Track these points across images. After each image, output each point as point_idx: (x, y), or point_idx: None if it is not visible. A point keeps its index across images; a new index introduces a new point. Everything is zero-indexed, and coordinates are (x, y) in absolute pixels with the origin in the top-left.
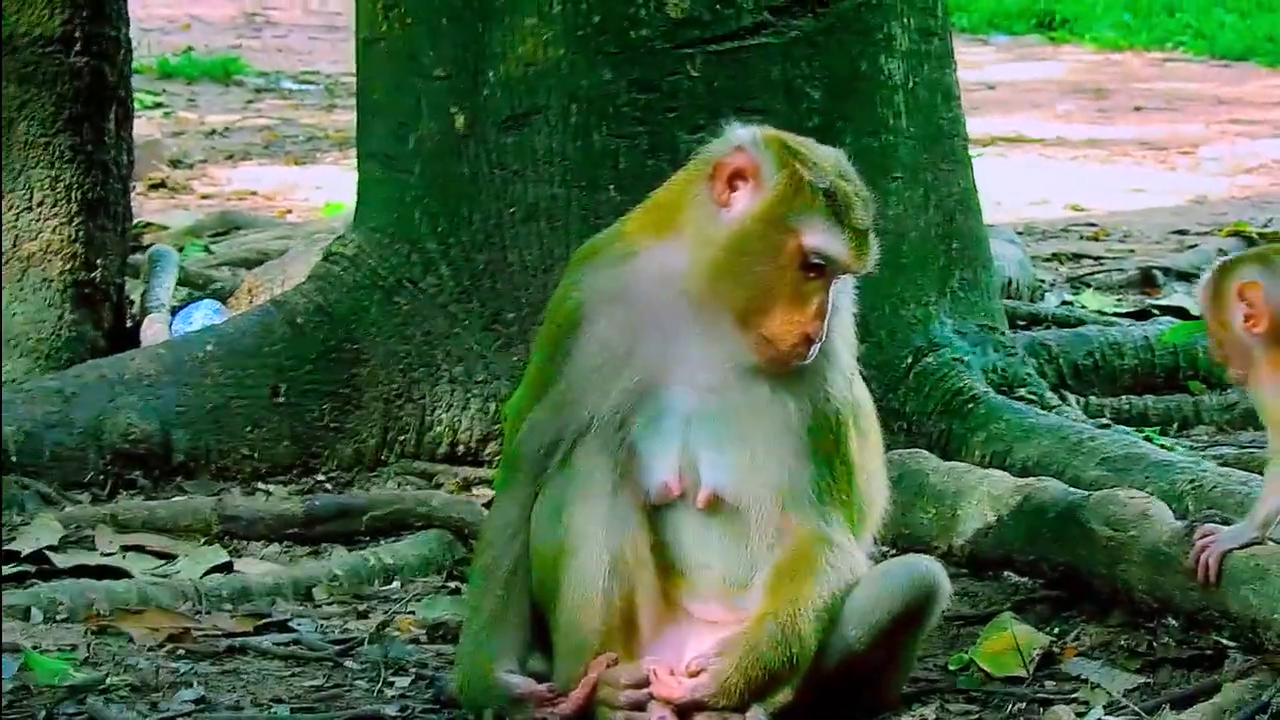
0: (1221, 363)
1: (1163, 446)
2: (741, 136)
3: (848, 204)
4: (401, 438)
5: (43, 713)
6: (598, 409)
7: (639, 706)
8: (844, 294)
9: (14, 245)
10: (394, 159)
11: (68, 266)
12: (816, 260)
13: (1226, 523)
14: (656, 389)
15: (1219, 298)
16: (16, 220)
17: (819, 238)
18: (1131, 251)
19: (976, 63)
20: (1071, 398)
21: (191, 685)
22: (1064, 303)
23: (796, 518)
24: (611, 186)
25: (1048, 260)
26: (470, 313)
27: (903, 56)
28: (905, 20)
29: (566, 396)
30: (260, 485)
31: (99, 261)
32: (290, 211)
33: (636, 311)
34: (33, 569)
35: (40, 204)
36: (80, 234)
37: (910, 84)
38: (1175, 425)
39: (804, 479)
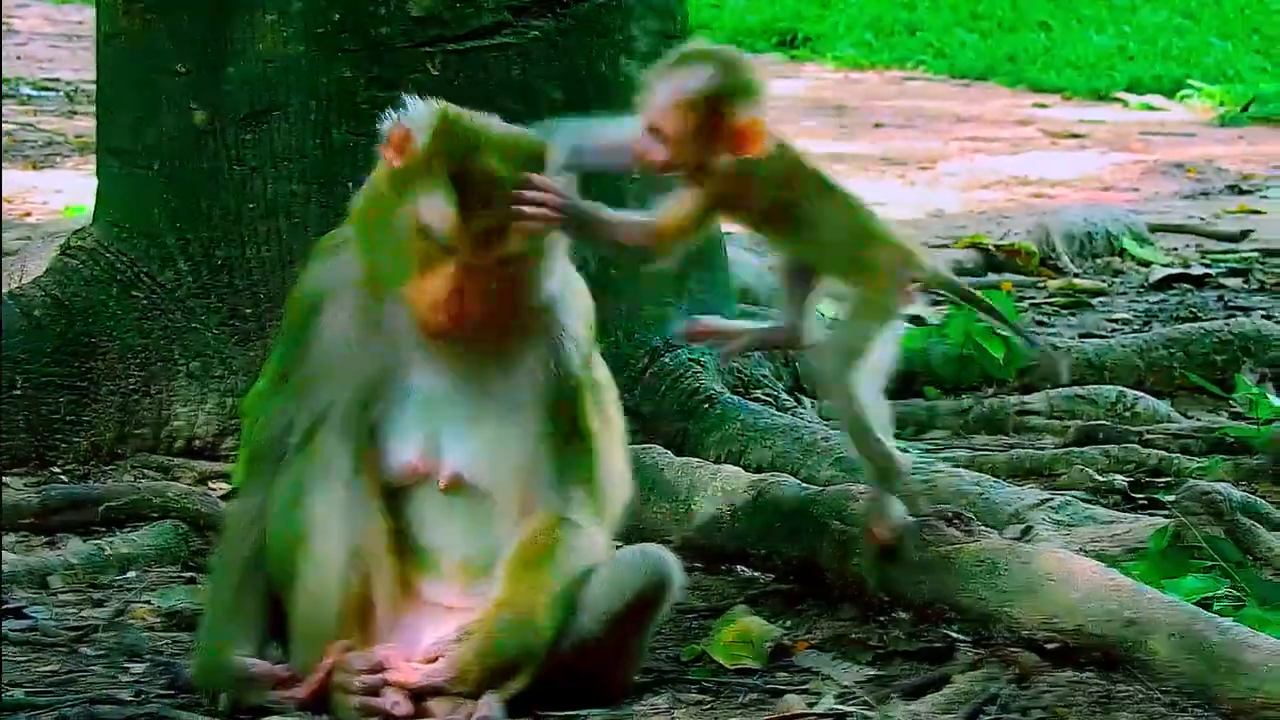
0: (662, 168)
1: (898, 448)
2: (412, 108)
3: (476, 187)
4: (138, 431)
5: None
6: (337, 396)
7: (374, 691)
8: (573, 273)
9: None
10: (134, 154)
11: None
12: (434, 234)
13: (958, 519)
14: (397, 372)
15: (706, 124)
16: None
17: (430, 204)
18: None
19: None
20: (807, 400)
21: None
22: None
23: (538, 498)
24: (350, 183)
25: None
26: (208, 308)
27: (642, 58)
28: (644, 23)
29: (305, 386)
30: None
31: None
32: (29, 214)
33: (375, 298)
34: None
35: None
36: None
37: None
38: (910, 429)
39: (544, 459)
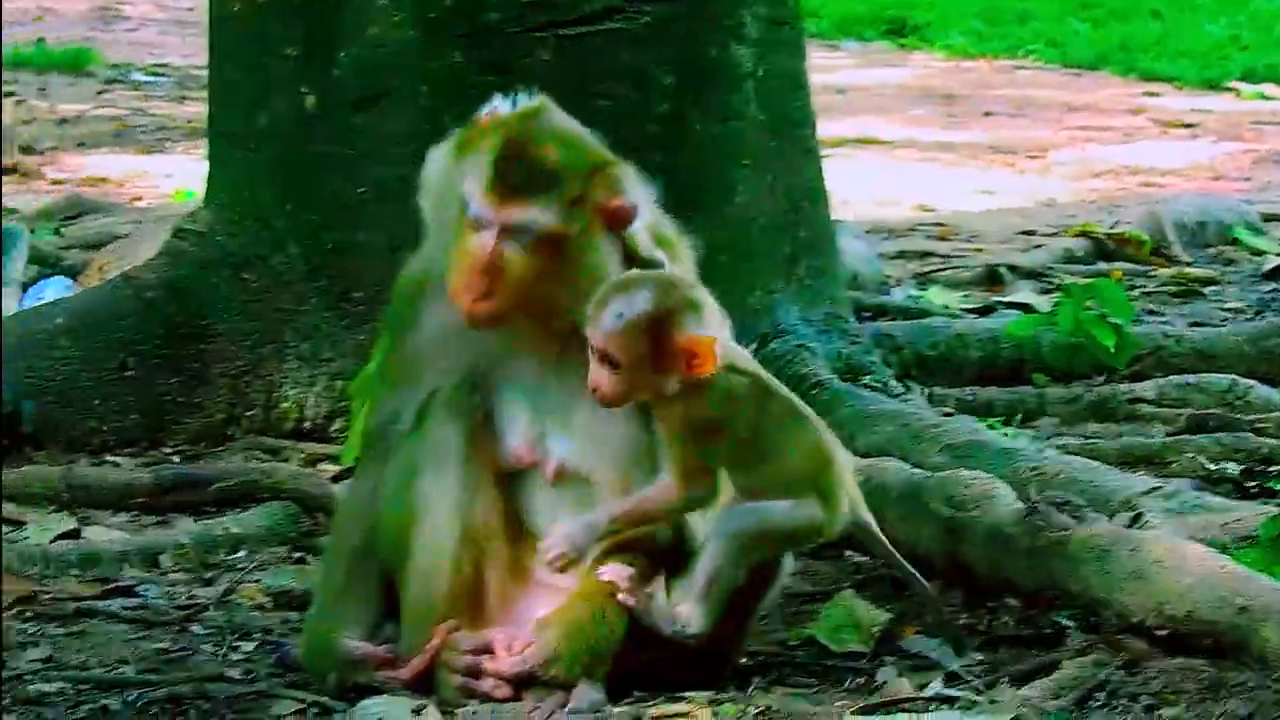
0: (615, 402)
1: (1006, 435)
2: (509, 100)
3: (501, 162)
4: (248, 413)
5: None
6: (446, 380)
7: (475, 673)
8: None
9: None
10: (244, 138)
11: None
12: (469, 210)
13: (1068, 505)
14: (504, 360)
15: (656, 345)
16: None
17: (469, 183)
18: (978, 250)
19: (827, 67)
20: (916, 387)
21: (39, 645)
22: (910, 297)
23: (642, 483)
24: None
25: (894, 257)
26: (318, 291)
27: (753, 44)
28: (755, 9)
29: (414, 371)
30: (109, 457)
31: None
32: (140, 198)
33: None
34: None
35: None
36: None
37: (760, 72)
38: (1019, 416)
39: (647, 449)
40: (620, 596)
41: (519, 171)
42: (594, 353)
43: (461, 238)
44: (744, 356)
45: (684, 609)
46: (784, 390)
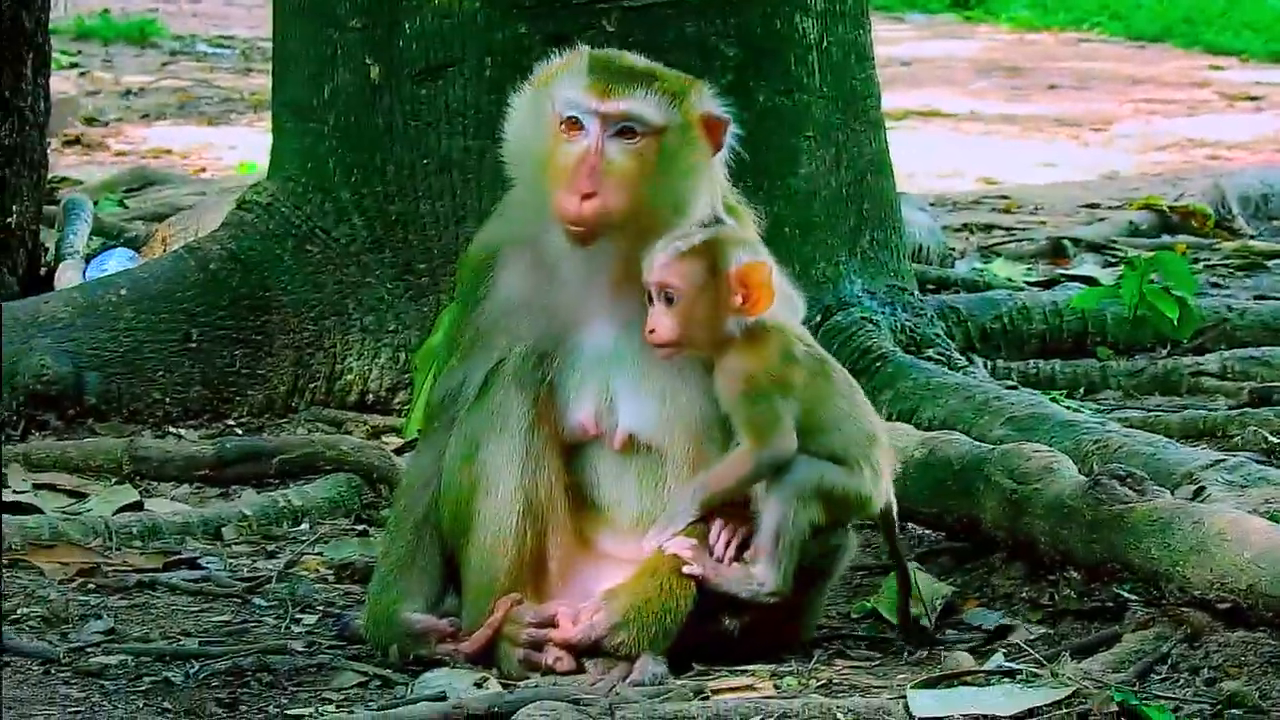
0: (673, 344)
1: (1069, 408)
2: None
3: (596, 60)
4: (312, 385)
5: None
6: (512, 350)
7: (538, 646)
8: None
9: None
10: (309, 109)
11: None
12: (567, 113)
13: (1130, 478)
14: (572, 330)
15: (713, 271)
16: None
17: (563, 89)
18: (1042, 223)
19: (892, 39)
20: (979, 360)
21: (101, 618)
22: (974, 270)
23: (711, 454)
24: None
25: (958, 230)
26: (382, 262)
27: (817, 16)
28: None
29: (479, 343)
30: (171, 429)
31: (14, 207)
32: (204, 170)
33: (549, 254)
34: None
35: None
36: None
37: (824, 43)
38: (1082, 389)
39: (716, 420)
40: (687, 569)
41: (617, 67)
42: (652, 295)
43: (557, 153)
44: (804, 332)
45: (757, 569)
46: (839, 366)
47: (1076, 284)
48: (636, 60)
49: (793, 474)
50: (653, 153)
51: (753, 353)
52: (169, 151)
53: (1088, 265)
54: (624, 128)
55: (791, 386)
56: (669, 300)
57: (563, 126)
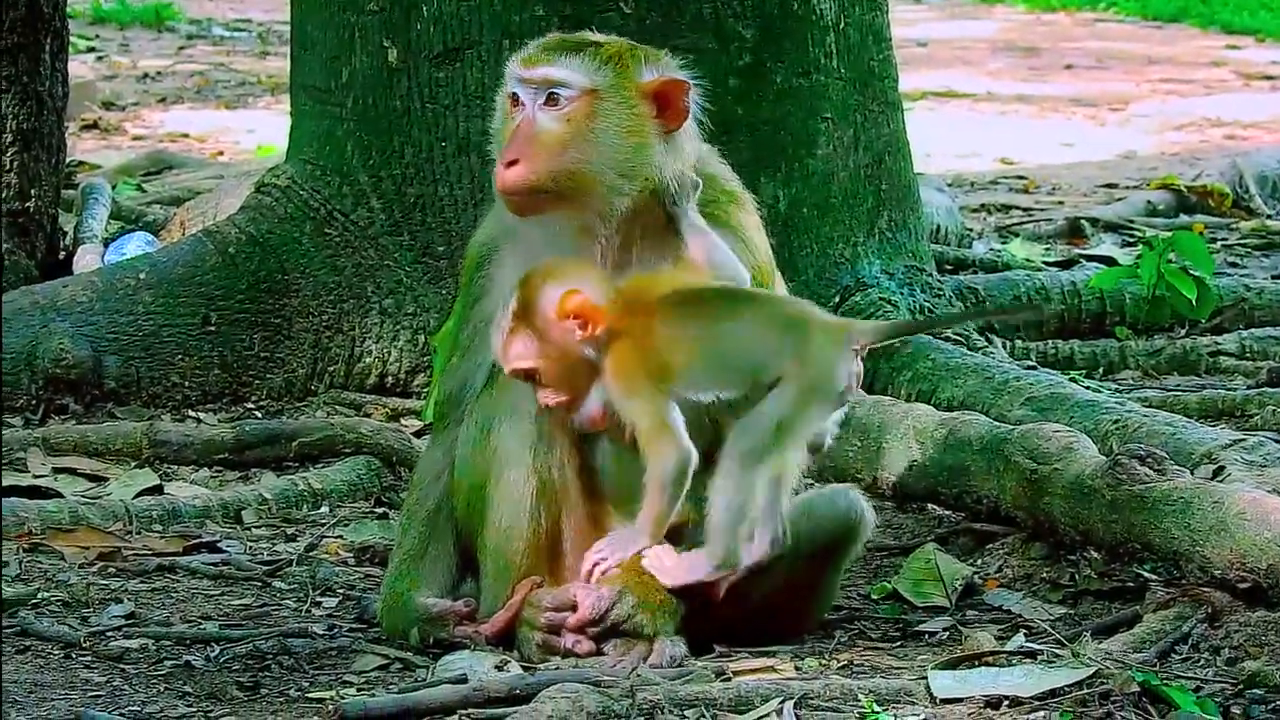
0: (562, 401)
1: (1088, 388)
2: None
3: (544, 38)
4: (331, 368)
5: None
6: None
7: (557, 629)
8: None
9: None
10: (327, 92)
11: (1, 196)
12: (509, 89)
13: (1150, 458)
14: None
15: (541, 324)
16: None
17: (509, 69)
18: (1060, 203)
19: (909, 20)
20: (998, 341)
21: (121, 601)
22: (992, 250)
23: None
24: None
25: (976, 210)
26: (400, 245)
27: None
28: None
29: (480, 335)
30: (190, 412)
31: (33, 191)
32: (222, 153)
33: (534, 243)
34: None
35: None
36: (15, 164)
37: (841, 24)
38: (1101, 369)
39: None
40: (665, 583)
41: (554, 41)
42: (522, 377)
43: (504, 130)
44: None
45: (705, 550)
46: (717, 284)
47: (1095, 264)
48: (590, 35)
49: (737, 444)
50: (582, 117)
51: (613, 361)
52: (186, 135)
53: (1106, 245)
54: (550, 95)
55: (666, 367)
56: (534, 379)
57: (509, 104)
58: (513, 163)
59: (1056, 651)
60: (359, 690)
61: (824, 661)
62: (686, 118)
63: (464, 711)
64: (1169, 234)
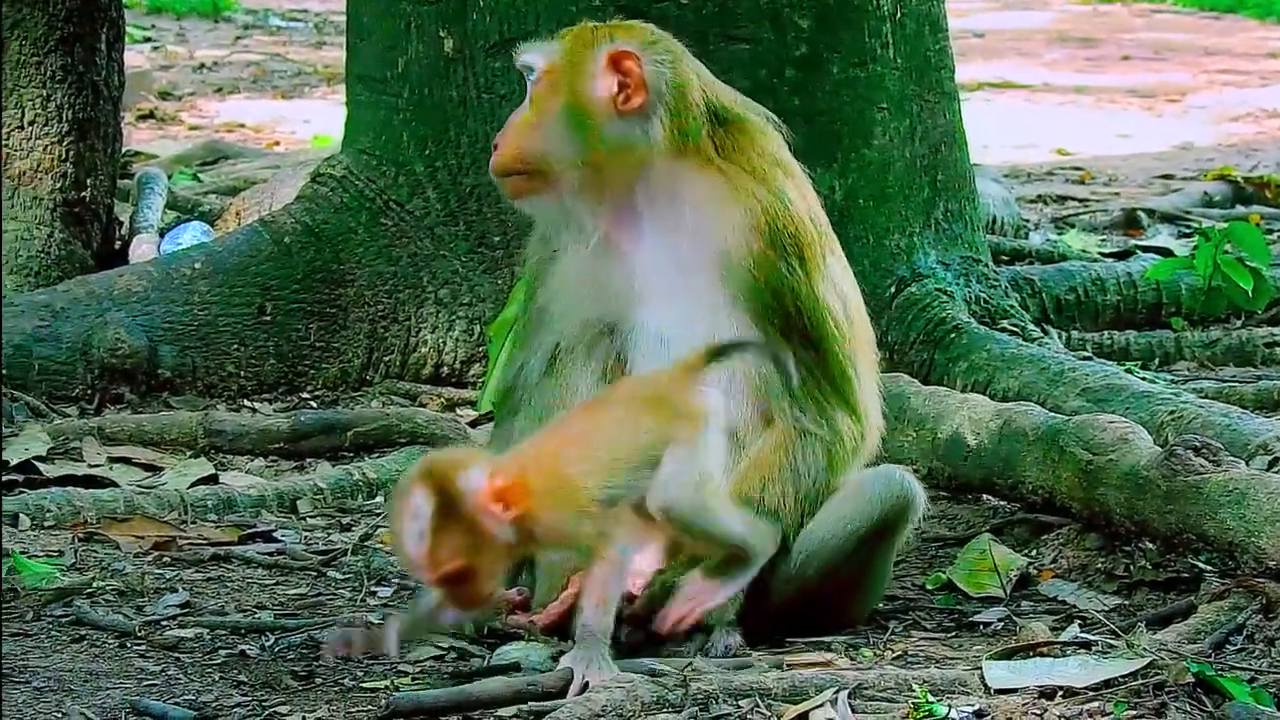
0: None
1: (1143, 379)
2: None
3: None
4: (386, 358)
5: (30, 614)
6: (579, 327)
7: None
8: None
9: (5, 163)
10: (383, 82)
11: (58, 185)
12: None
13: (1205, 449)
14: (630, 308)
15: (469, 516)
16: (8, 139)
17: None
18: (1116, 194)
19: (965, 10)
20: (1054, 331)
21: (176, 591)
22: (1048, 241)
23: (776, 415)
24: None
25: (1033, 201)
26: (456, 235)
27: None
28: None
29: (546, 325)
30: (246, 402)
31: (89, 181)
32: (278, 143)
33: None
34: (20, 478)
35: (31, 123)
36: (70, 153)
37: (898, 15)
38: (1157, 360)
39: (785, 387)
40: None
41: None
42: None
43: None
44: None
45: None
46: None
47: (1151, 255)
48: (591, 23)
49: (673, 499)
50: (542, 97)
51: (522, 534)
52: (242, 125)
53: (1162, 236)
54: (529, 80)
55: (584, 498)
56: (467, 579)
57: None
58: (495, 148)
59: (1111, 642)
60: (414, 680)
61: (878, 652)
62: (646, 92)
63: (518, 705)
64: (1225, 225)
